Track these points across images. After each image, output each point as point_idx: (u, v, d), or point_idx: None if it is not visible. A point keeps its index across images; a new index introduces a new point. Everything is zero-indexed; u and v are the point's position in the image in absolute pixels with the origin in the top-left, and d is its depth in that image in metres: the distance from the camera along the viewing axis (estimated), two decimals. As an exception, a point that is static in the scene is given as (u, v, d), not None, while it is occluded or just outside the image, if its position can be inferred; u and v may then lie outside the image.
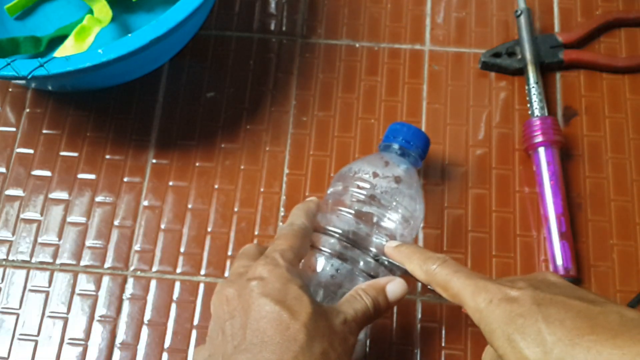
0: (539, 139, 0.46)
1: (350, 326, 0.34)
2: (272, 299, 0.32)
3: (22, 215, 0.47)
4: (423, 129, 0.49)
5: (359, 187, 0.39)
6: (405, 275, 0.37)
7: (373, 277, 0.38)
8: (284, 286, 0.33)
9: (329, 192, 0.41)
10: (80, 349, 0.43)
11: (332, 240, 0.38)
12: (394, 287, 0.36)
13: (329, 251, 0.38)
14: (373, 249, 0.38)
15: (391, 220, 0.39)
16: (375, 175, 0.40)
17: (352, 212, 0.38)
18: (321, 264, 0.38)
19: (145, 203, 0.47)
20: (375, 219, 0.38)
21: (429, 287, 0.35)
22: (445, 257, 0.35)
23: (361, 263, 0.38)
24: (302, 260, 0.38)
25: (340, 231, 0.38)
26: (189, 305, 0.44)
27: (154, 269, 0.45)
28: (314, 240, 0.39)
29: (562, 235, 0.44)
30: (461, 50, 0.52)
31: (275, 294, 0.32)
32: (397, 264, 0.37)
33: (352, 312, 0.34)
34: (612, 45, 0.52)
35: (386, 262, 0.38)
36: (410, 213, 0.39)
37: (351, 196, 0.39)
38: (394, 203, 0.39)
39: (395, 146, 0.42)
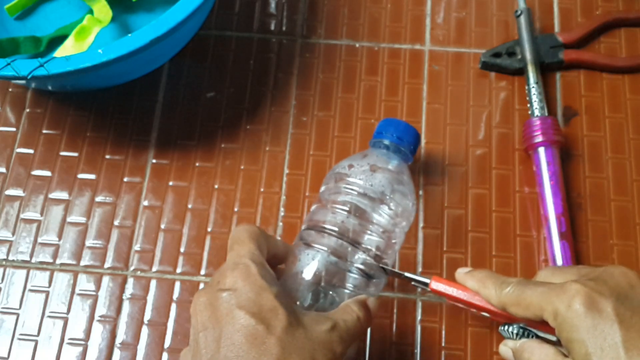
0: (539, 139, 0.46)
1: (339, 334, 0.33)
2: (247, 312, 0.31)
3: (22, 215, 0.47)
4: (423, 129, 0.49)
5: (336, 180, 0.40)
6: (393, 276, 0.38)
7: (365, 273, 0.38)
8: (258, 296, 0.31)
9: (319, 194, 0.41)
10: (80, 349, 0.43)
11: (320, 235, 0.38)
12: (372, 302, 0.36)
13: (318, 247, 0.37)
14: (364, 245, 0.38)
15: (380, 212, 0.38)
16: (350, 167, 0.40)
17: (336, 206, 0.38)
18: (309, 260, 0.37)
19: (145, 203, 0.47)
20: (359, 212, 0.38)
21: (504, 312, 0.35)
22: (520, 279, 0.34)
23: (352, 260, 0.37)
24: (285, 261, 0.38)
25: (327, 226, 0.38)
26: (189, 305, 0.44)
27: (154, 269, 0.45)
28: (304, 236, 0.39)
29: (562, 236, 0.44)
30: (461, 50, 0.52)
31: (250, 306, 0.31)
32: (389, 268, 0.38)
33: (342, 321, 0.33)
34: (612, 45, 0.51)
35: (375, 259, 0.38)
36: (400, 207, 0.39)
37: (331, 190, 0.39)
38: (375, 193, 0.39)
39: (385, 142, 0.42)
